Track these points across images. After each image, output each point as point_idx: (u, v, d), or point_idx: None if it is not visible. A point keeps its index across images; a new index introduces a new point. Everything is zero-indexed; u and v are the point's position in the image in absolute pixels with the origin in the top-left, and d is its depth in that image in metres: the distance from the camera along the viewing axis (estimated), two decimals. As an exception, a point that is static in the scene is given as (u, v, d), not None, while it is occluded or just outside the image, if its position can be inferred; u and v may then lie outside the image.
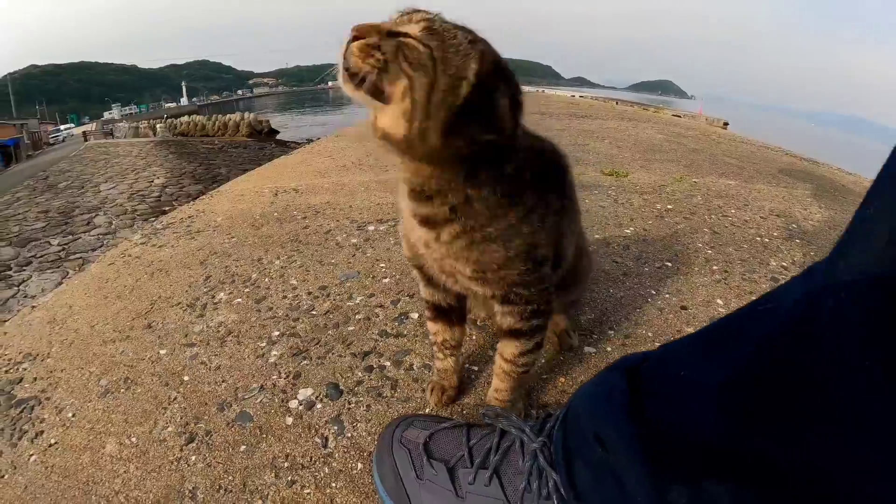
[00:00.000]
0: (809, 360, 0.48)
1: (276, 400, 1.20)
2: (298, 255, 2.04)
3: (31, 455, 1.15)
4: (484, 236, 0.81)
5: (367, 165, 3.72)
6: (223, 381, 1.29)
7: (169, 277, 1.97)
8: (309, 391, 1.22)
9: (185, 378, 1.33)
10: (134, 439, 1.14)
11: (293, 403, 1.19)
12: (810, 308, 0.49)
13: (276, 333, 1.49)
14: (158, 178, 7.43)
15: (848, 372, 0.45)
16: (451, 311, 1.08)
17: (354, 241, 2.15)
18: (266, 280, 1.85)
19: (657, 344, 1.40)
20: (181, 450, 1.09)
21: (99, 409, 1.27)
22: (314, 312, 1.59)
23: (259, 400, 1.21)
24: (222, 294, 1.78)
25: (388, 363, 1.32)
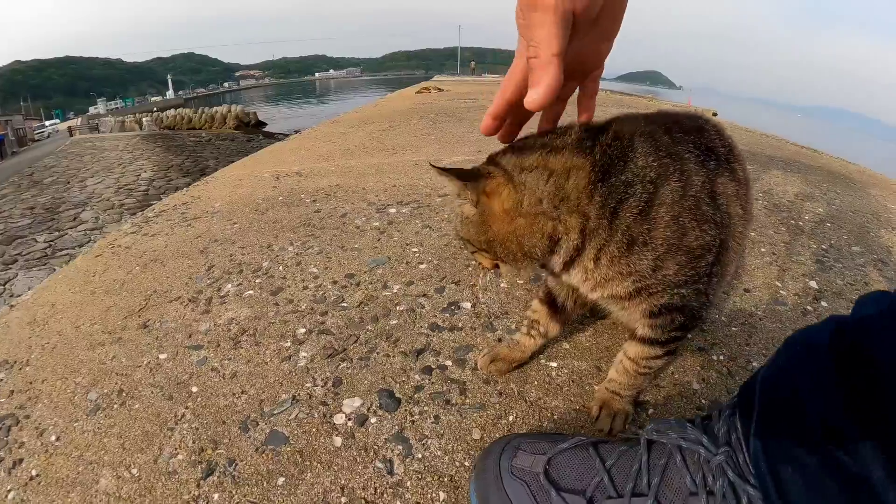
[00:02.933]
0: None
1: (316, 414, 0.95)
2: (314, 240, 1.78)
3: (10, 490, 0.89)
4: (622, 241, 0.73)
5: (371, 148, 3.46)
6: (243, 392, 1.04)
7: (165, 268, 1.71)
8: (357, 401, 0.97)
9: (194, 389, 1.07)
10: (135, 471, 0.88)
11: (339, 418, 0.93)
12: None
13: (303, 331, 1.23)
14: (146, 171, 7.13)
15: None
16: (563, 310, 0.99)
17: (376, 223, 1.89)
18: (280, 268, 1.59)
19: (734, 329, 1.25)
20: (198, 485, 0.83)
21: (88, 430, 1.01)
22: (344, 304, 1.33)
23: (294, 415, 0.95)
24: (229, 286, 1.52)
25: (449, 362, 1.07)
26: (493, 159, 0.79)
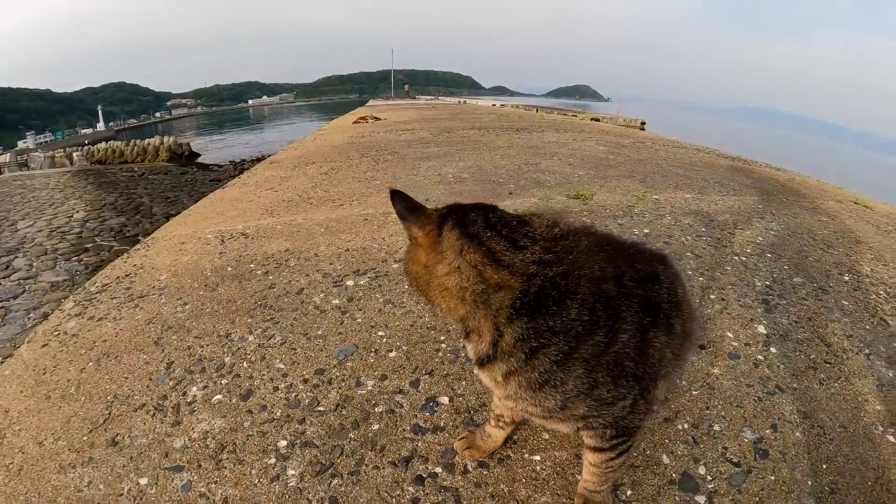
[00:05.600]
0: None
1: (319, 547, 0.99)
2: (275, 326, 1.79)
3: None
4: (533, 378, 0.79)
5: (316, 199, 3.46)
6: (239, 523, 1.05)
7: (121, 366, 1.66)
8: (357, 527, 1.02)
9: (186, 522, 1.07)
10: None
11: (343, 549, 0.98)
12: None
13: (284, 443, 1.25)
14: (78, 211, 6.68)
15: None
16: None
17: (336, 301, 1.92)
18: (245, 365, 1.59)
19: (695, 393, 1.38)
20: None
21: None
22: (321, 408, 1.36)
23: (296, 550, 0.98)
24: (195, 389, 1.50)
25: (438, 469, 1.13)
26: (447, 215, 0.81)
